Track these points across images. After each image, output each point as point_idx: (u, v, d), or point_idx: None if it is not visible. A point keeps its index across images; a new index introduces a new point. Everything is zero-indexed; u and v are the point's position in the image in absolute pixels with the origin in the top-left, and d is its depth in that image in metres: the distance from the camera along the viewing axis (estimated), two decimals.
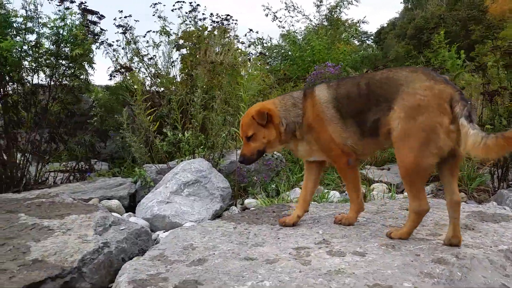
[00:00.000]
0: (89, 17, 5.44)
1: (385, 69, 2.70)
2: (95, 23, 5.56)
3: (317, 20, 16.27)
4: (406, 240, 2.41)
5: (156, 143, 5.13)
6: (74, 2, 5.12)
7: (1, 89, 4.83)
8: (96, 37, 5.52)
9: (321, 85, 2.75)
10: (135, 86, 6.09)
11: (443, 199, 3.85)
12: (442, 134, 2.18)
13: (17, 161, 4.84)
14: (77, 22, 5.11)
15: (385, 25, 26.06)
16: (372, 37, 24.29)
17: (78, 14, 5.21)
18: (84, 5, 5.39)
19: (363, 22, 17.82)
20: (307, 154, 2.76)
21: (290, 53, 13.19)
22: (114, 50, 6.81)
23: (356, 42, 20.00)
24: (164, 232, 3.40)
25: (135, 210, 4.03)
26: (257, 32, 20.85)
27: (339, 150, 2.58)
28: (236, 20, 7.51)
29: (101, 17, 5.58)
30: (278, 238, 2.52)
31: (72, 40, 4.94)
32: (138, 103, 5.29)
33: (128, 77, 6.48)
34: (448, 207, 2.34)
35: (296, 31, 14.88)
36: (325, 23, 15.97)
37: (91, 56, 5.26)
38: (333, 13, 15.90)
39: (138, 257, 2.31)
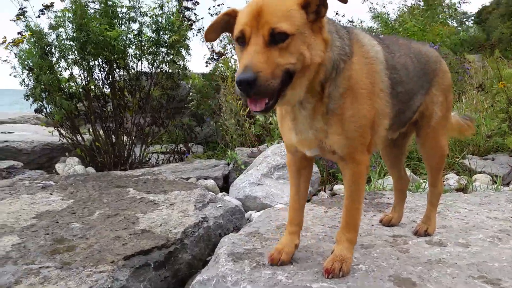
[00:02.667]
0: (184, 3, 5.69)
1: (397, 37, 2.17)
2: (190, 9, 5.79)
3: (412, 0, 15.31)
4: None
5: (246, 127, 5.28)
6: None
7: (110, 76, 5.31)
8: (192, 22, 5.75)
9: (361, 33, 1.75)
10: (227, 73, 6.32)
11: None
12: None
13: (124, 142, 5.32)
14: (173, 9, 5.36)
15: (488, 3, 23.79)
16: (473, 18, 22.30)
17: (174, 1, 5.46)
18: None
19: (463, 2, 16.41)
20: (314, 138, 1.63)
21: (381, 36, 12.61)
22: None
23: (454, 23, 18.50)
24: (255, 212, 3.52)
25: (228, 190, 4.22)
26: (343, 15, 20.26)
27: (368, 141, 1.67)
28: None
29: (196, 3, 5.79)
30: (372, 225, 2.48)
31: (169, 27, 5.23)
32: (229, 88, 5.48)
33: (221, 64, 6.72)
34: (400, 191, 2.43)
35: (389, 12, 14.17)
36: (420, 3, 14.96)
37: (187, 42, 5.52)
38: None
39: (234, 233, 2.42)
